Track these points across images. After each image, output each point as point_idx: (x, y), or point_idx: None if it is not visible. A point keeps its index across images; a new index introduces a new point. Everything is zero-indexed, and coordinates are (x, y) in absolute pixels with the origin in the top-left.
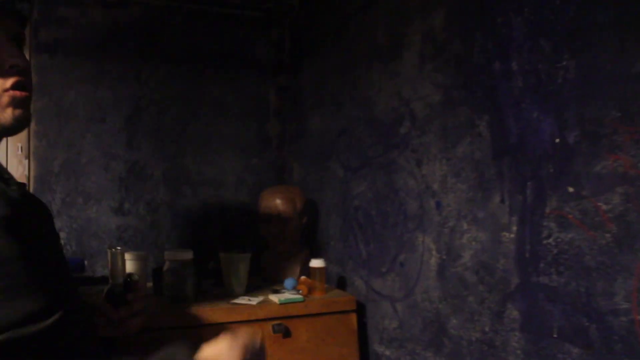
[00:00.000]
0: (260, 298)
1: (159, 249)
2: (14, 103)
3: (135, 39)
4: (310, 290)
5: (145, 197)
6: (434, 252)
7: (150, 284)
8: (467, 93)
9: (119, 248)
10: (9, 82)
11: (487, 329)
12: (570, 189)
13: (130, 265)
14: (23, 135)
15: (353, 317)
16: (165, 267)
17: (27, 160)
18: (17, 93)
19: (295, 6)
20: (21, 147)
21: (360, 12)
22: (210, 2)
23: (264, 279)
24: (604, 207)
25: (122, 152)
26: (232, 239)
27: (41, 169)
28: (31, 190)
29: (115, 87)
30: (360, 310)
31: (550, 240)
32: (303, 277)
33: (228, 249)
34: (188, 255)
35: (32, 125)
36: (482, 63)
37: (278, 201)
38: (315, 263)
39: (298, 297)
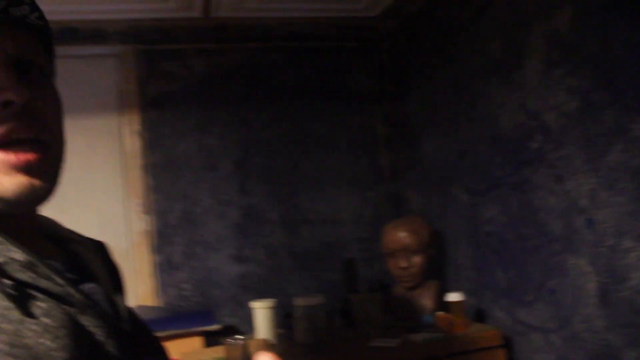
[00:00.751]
0: (397, 339)
1: (281, 293)
2: (4, 168)
3: (238, 83)
4: (450, 326)
5: (263, 241)
6: (591, 276)
7: (280, 331)
8: (611, 95)
9: (237, 338)
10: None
11: None
12: None
13: (259, 315)
14: (140, 190)
15: (501, 353)
16: (296, 314)
17: (146, 215)
18: (12, 158)
19: (392, 32)
20: (140, 203)
21: (469, 25)
22: (306, 38)
23: (394, 317)
24: None
25: (236, 198)
26: (356, 277)
27: (160, 223)
28: (153, 245)
29: (223, 133)
30: (508, 344)
31: None
32: (440, 313)
33: (353, 288)
34: (318, 300)
35: (149, 180)
36: (627, 59)
37: (402, 234)
38: (453, 297)
39: (439, 334)
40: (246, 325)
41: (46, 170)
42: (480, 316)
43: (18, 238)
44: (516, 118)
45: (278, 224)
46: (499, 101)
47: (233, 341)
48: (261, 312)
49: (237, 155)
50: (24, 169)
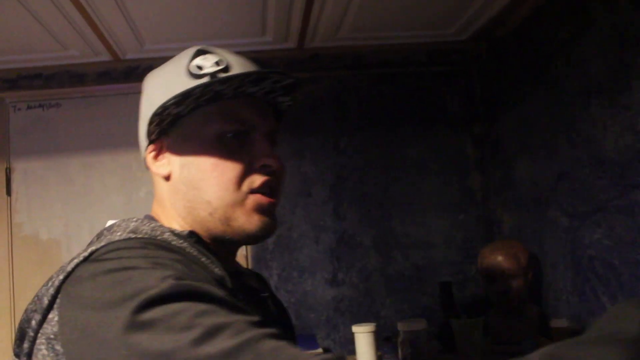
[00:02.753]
0: None
1: (375, 316)
2: (259, 209)
3: (330, 110)
4: None
5: (357, 265)
6: None
7: (379, 353)
8: None
9: None
10: (258, 182)
11: None
12: None
13: (359, 338)
14: None
15: None
16: (400, 338)
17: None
18: (263, 199)
19: (482, 54)
20: None
21: (566, 46)
22: (395, 64)
23: (493, 342)
24: None
25: (330, 222)
26: (453, 300)
27: (257, 247)
28: (249, 268)
29: (317, 160)
30: None
31: None
32: (543, 339)
33: (452, 312)
34: (422, 324)
35: None
36: None
37: (500, 258)
38: (557, 323)
39: None
40: (341, 348)
41: (275, 212)
42: None
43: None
44: (623, 140)
45: (371, 248)
46: (602, 123)
47: None
48: (362, 336)
49: (330, 181)
50: (267, 211)
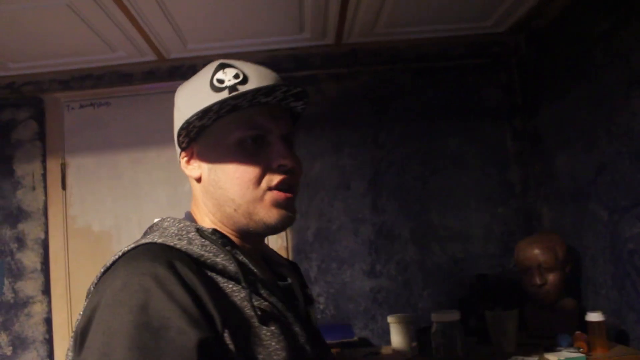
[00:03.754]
0: (535, 357)
1: (412, 308)
2: (276, 204)
3: (368, 105)
4: (590, 346)
5: (395, 257)
6: None
7: (414, 344)
8: None
9: None
10: (275, 180)
11: None
12: None
13: (394, 329)
14: None
15: None
16: (433, 329)
17: (284, 233)
18: (280, 195)
19: (521, 46)
20: None
21: (606, 37)
22: (433, 57)
23: (529, 335)
24: None
25: (368, 215)
26: (489, 293)
27: (297, 239)
28: (290, 257)
29: (355, 154)
30: None
31: None
32: (578, 332)
33: (487, 304)
34: (455, 315)
35: None
36: None
37: (537, 251)
38: (593, 317)
39: (580, 355)
40: (378, 338)
41: (293, 205)
42: (622, 338)
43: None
44: None
45: (409, 240)
46: None
47: None
48: (397, 326)
49: (369, 174)
50: (285, 205)
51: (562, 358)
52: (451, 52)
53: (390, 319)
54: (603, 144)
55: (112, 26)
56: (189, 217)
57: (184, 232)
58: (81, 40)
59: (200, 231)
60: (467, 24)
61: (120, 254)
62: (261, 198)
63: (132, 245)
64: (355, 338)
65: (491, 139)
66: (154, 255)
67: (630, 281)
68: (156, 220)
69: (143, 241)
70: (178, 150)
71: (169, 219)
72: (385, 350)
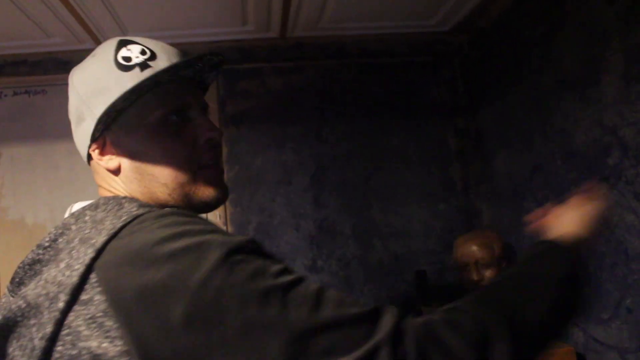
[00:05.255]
0: None
1: None
2: (210, 181)
3: (313, 100)
4: None
5: (337, 253)
6: None
7: None
8: None
9: None
10: (205, 157)
11: None
12: None
13: None
14: None
15: None
16: None
17: (225, 227)
18: (213, 172)
19: (464, 46)
20: (219, 215)
21: (542, 41)
22: (379, 54)
23: None
24: None
25: (310, 210)
26: (427, 289)
27: (238, 233)
28: None
29: (298, 149)
30: None
31: None
32: None
33: (425, 300)
34: None
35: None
36: None
37: (475, 248)
38: None
39: None
40: None
41: (223, 179)
42: None
43: None
44: (592, 134)
45: (351, 236)
46: (573, 117)
47: None
48: None
49: (311, 170)
50: (217, 180)
51: None
52: (396, 50)
53: None
54: (538, 144)
55: (46, 10)
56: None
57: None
58: (14, 24)
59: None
60: (412, 22)
61: (108, 236)
62: (194, 178)
63: (120, 224)
64: None
65: (434, 136)
66: (179, 212)
67: None
68: (81, 204)
69: (130, 215)
70: (86, 142)
71: (121, 198)
72: None
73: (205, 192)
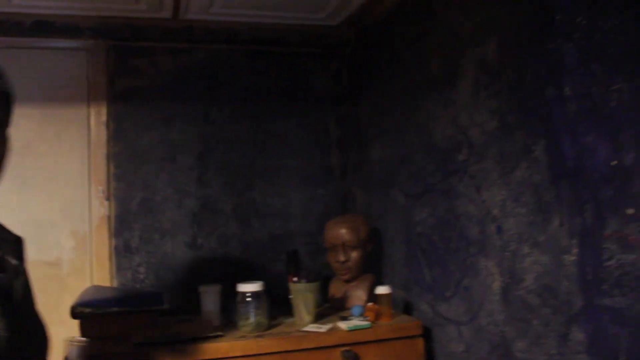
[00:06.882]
0: (329, 325)
1: (231, 280)
2: None
3: (202, 82)
4: (378, 316)
5: (217, 231)
6: (496, 276)
7: (224, 314)
8: (522, 118)
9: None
10: None
11: (553, 351)
12: (630, 211)
13: (205, 298)
14: (103, 178)
15: (420, 342)
16: (238, 299)
17: (107, 202)
18: None
19: (351, 40)
20: (102, 190)
21: (414, 43)
22: (270, 42)
23: (332, 307)
24: None
25: (194, 189)
26: (299, 267)
27: (121, 209)
28: (112, 229)
29: (185, 129)
30: (427, 334)
31: (612, 261)
32: (370, 304)
33: (298, 278)
34: (258, 286)
35: (112, 168)
36: (536, 89)
37: (343, 230)
38: (381, 289)
39: (365, 323)
40: (195, 308)
41: None
42: (408, 309)
43: None
44: (448, 131)
45: (232, 215)
46: (435, 115)
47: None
48: (208, 295)
49: (197, 150)
50: None
51: (350, 326)
52: (287, 39)
53: (201, 288)
54: (406, 137)
55: None
56: None
57: None
58: None
59: None
60: (303, 14)
61: None
62: None
63: None
64: (166, 306)
65: (317, 124)
66: None
67: (416, 260)
68: None
69: None
70: None
71: None
72: (195, 318)
73: None
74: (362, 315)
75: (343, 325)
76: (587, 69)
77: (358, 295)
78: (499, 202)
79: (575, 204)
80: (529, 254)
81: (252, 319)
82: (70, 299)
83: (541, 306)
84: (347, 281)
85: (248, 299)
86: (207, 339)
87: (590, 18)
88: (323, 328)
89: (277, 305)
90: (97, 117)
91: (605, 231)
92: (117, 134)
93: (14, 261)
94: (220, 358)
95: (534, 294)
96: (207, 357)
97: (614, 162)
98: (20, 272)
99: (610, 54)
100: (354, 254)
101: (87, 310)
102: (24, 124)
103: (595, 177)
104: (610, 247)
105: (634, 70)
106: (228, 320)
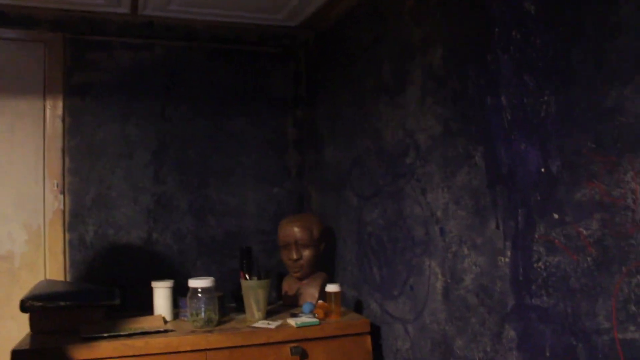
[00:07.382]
0: (279, 322)
1: (185, 276)
2: None
3: (160, 78)
4: (327, 313)
5: (172, 227)
6: (439, 276)
7: (176, 310)
8: (463, 125)
9: None
10: None
11: (488, 349)
12: (556, 216)
13: (157, 294)
14: (58, 171)
15: (368, 339)
16: (189, 294)
17: (62, 195)
18: None
19: (309, 42)
20: (57, 183)
21: (368, 49)
22: (229, 41)
23: (285, 304)
24: (585, 232)
25: (149, 185)
26: (252, 264)
27: (75, 203)
28: (66, 224)
29: (141, 125)
30: (375, 332)
31: (540, 263)
32: (320, 302)
33: (250, 275)
34: (209, 282)
35: (67, 162)
36: (476, 97)
37: (296, 229)
38: (331, 288)
39: (314, 320)
40: (148, 303)
41: None
42: (358, 307)
43: None
44: (397, 136)
45: (187, 212)
46: (385, 119)
47: None
48: (160, 291)
49: (153, 146)
50: None
51: (298, 322)
52: (246, 38)
53: (154, 283)
54: (358, 140)
55: None
56: None
57: None
58: None
59: None
60: (261, 15)
61: None
62: None
63: None
64: (117, 301)
65: (274, 124)
66: None
67: (367, 259)
68: None
69: None
70: None
71: None
72: (147, 313)
73: None
74: (312, 312)
75: (292, 322)
76: (520, 80)
77: (310, 293)
78: (442, 205)
79: (509, 208)
80: (468, 255)
81: (202, 315)
82: (22, 293)
83: (478, 305)
84: (300, 279)
85: (199, 295)
86: (156, 333)
87: (523, 33)
88: (272, 324)
89: (229, 301)
90: (52, 111)
91: (534, 235)
92: (73, 128)
93: None
94: (169, 352)
95: (472, 293)
96: (156, 352)
97: (543, 170)
98: None
99: (540, 68)
100: (307, 253)
101: (37, 304)
102: None
103: (526, 183)
104: (539, 249)
105: (559, 85)
106: (179, 316)
